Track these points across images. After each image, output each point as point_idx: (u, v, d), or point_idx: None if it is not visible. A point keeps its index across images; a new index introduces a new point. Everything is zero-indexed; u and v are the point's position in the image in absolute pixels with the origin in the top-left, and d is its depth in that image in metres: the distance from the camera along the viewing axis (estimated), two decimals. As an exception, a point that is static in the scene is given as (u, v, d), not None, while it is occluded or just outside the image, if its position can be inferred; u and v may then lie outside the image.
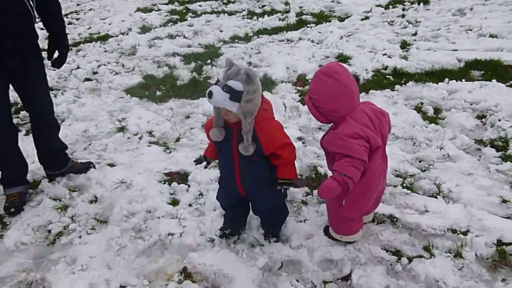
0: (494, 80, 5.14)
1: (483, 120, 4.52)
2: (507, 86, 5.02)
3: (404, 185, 3.62)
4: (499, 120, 4.37)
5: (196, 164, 2.95)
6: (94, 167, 4.11)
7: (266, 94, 5.25)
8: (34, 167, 4.16)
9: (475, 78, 5.40)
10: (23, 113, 5.32)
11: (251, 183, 2.75)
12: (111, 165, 4.24)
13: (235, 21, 9.03)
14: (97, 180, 4.00)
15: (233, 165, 2.69)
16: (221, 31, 8.34)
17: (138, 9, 10.64)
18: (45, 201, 3.75)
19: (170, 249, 3.17)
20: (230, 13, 9.72)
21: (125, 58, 7.32)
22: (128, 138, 4.71)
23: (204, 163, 2.94)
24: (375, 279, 2.76)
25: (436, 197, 3.45)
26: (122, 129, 4.86)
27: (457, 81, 5.25)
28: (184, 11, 10.26)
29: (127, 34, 8.60)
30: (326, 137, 2.74)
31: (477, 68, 5.66)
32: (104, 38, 8.48)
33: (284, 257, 2.99)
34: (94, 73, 6.68)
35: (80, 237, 3.34)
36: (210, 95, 2.34)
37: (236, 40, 7.82)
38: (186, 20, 9.44)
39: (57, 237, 3.37)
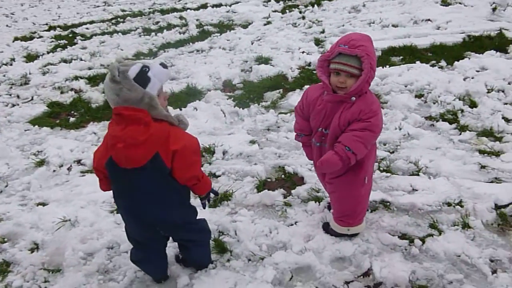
0: (417, 62, 5.32)
1: (423, 98, 4.60)
2: (430, 66, 5.21)
3: (381, 168, 3.48)
4: (439, 96, 4.47)
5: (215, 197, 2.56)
6: None
7: (199, 104, 4.95)
8: None
9: (397, 63, 5.56)
10: None
11: None
12: (43, 204, 3.53)
13: (132, 39, 8.49)
14: (31, 223, 3.28)
15: None
16: (121, 50, 7.74)
17: (16, 38, 9.57)
18: (-33, 259, 2.97)
19: (153, 285, 2.64)
20: (124, 32, 9.13)
21: (18, 88, 6.40)
22: (54, 171, 4.00)
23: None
24: (397, 267, 2.53)
25: (418, 175, 3.36)
26: (42, 163, 4.13)
27: (383, 67, 5.34)
28: (70, 35, 9.42)
29: (11, 64, 7.61)
30: (352, 110, 2.31)
31: (395, 54, 5.85)
32: (-16, 72, 7.40)
33: (291, 265, 2.64)
34: (-16, 108, 5.73)
35: (32, 294, 2.66)
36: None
37: (141, 57, 7.28)
38: (76, 43, 8.65)
39: (-1, 301, 2.65)
